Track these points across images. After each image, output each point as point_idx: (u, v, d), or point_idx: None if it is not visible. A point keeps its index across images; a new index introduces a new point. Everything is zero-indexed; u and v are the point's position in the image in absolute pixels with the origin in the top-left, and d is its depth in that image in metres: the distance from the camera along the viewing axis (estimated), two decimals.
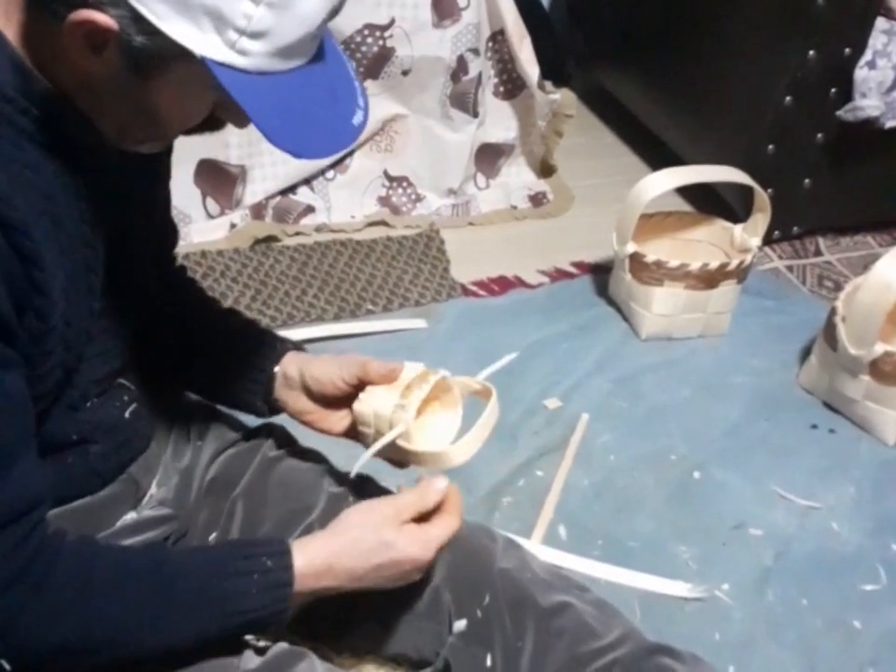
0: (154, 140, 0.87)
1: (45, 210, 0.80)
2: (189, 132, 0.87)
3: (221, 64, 0.74)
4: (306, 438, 1.56)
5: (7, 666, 0.79)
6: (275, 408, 1.11)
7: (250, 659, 0.94)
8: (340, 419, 1.09)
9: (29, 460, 0.81)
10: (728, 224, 1.98)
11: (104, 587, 0.84)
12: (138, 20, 0.72)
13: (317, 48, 0.79)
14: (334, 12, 0.78)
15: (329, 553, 0.92)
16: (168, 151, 1.02)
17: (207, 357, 1.13)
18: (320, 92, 0.80)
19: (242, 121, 0.84)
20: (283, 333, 1.80)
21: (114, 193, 0.90)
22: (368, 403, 1.03)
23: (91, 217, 0.87)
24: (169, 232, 1.15)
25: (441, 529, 0.97)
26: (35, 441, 0.83)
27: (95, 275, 0.89)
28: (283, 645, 0.97)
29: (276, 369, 1.09)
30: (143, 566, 0.87)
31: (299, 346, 1.14)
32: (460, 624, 1.05)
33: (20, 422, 0.80)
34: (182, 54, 0.74)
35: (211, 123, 0.86)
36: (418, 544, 0.95)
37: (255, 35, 0.74)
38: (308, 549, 0.92)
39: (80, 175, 0.85)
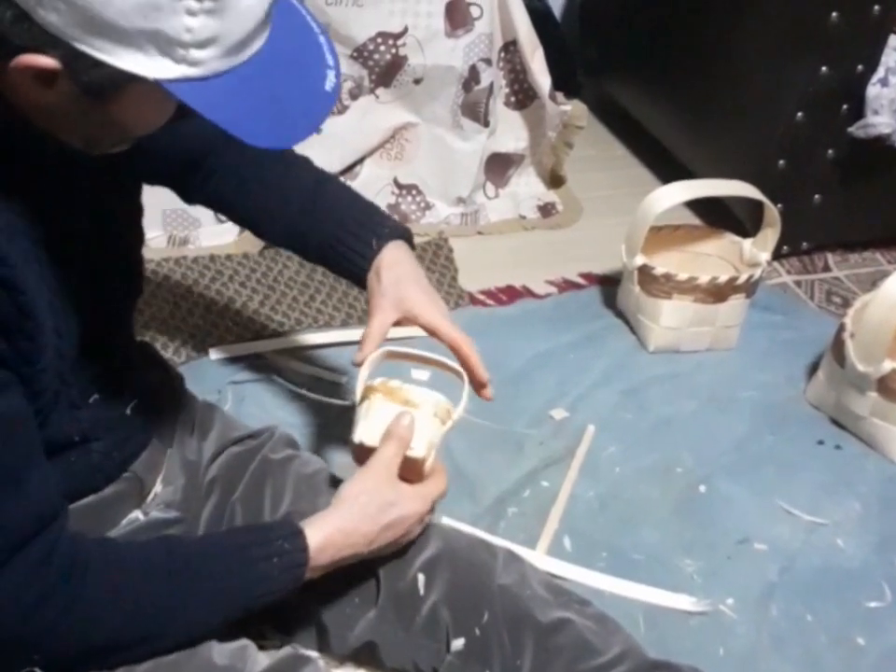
0: (125, 144, 0.86)
1: (21, 230, 0.80)
2: None
3: (177, 80, 0.72)
4: (305, 441, 1.56)
5: None
6: None
7: (256, 662, 0.95)
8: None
9: (39, 475, 0.82)
10: (737, 238, 1.98)
11: (135, 588, 0.86)
12: (81, 56, 0.70)
13: (270, 22, 0.76)
14: None
15: (345, 524, 0.97)
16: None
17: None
18: (285, 69, 0.77)
19: None
20: (291, 340, 1.82)
21: (89, 196, 0.91)
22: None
23: (70, 227, 0.88)
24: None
25: (432, 486, 1.06)
26: (42, 452, 0.84)
27: (80, 281, 0.90)
28: (289, 649, 0.98)
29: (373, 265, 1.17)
30: (168, 561, 0.89)
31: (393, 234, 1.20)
32: (458, 643, 1.05)
33: (22, 441, 0.81)
34: (135, 78, 0.72)
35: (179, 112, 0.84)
36: (417, 498, 1.03)
37: (202, 45, 0.71)
38: (322, 525, 0.96)
39: (53, 188, 0.86)
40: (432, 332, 1.15)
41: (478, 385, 1.16)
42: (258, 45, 0.75)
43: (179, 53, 0.71)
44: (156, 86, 0.72)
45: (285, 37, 0.78)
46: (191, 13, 0.69)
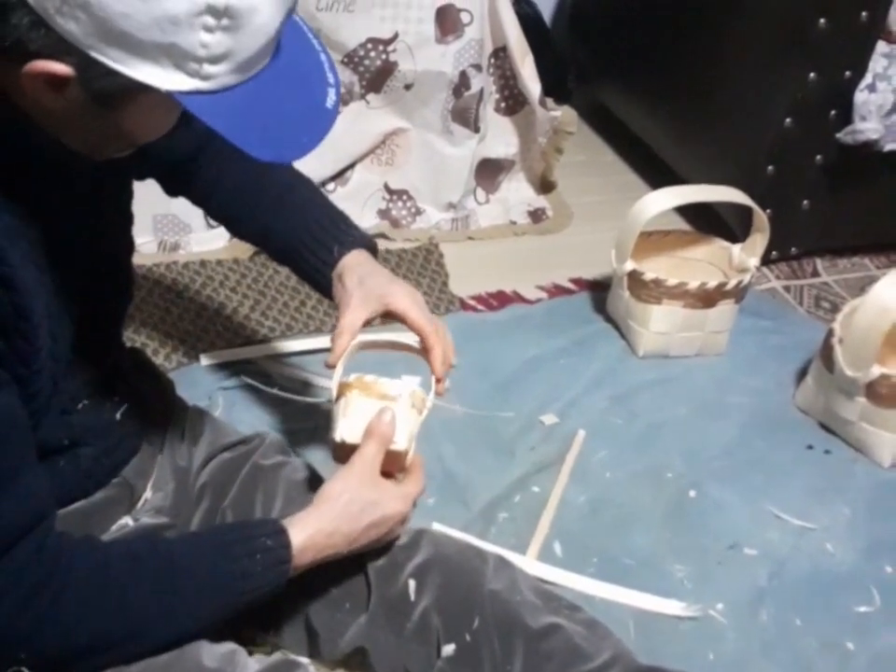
0: (128, 150, 0.87)
1: (20, 232, 0.80)
2: None
3: (188, 93, 0.74)
4: (296, 446, 1.56)
5: None
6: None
7: (246, 667, 0.95)
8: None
9: (31, 475, 0.82)
10: (726, 244, 1.98)
11: (120, 586, 0.87)
12: (95, 65, 0.71)
13: (279, 40, 0.78)
14: (290, 13, 0.77)
15: (326, 524, 0.98)
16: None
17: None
18: (289, 85, 0.80)
19: None
20: (281, 345, 1.81)
21: (86, 201, 0.91)
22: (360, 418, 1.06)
23: (66, 232, 0.88)
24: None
25: (412, 485, 1.06)
26: (35, 452, 0.84)
27: (74, 286, 0.90)
28: (279, 655, 0.98)
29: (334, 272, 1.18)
30: (152, 559, 0.90)
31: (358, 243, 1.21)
32: (449, 649, 1.05)
33: (16, 441, 0.81)
34: (145, 88, 0.73)
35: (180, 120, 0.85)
36: (399, 498, 1.03)
37: (216, 60, 0.73)
38: (305, 524, 0.97)
39: (53, 191, 0.86)
40: (402, 319, 1.15)
41: (435, 378, 1.15)
42: (266, 61, 0.77)
43: (193, 67, 0.72)
44: (164, 96, 0.74)
45: (289, 54, 0.80)
46: (208, 29, 0.71)
